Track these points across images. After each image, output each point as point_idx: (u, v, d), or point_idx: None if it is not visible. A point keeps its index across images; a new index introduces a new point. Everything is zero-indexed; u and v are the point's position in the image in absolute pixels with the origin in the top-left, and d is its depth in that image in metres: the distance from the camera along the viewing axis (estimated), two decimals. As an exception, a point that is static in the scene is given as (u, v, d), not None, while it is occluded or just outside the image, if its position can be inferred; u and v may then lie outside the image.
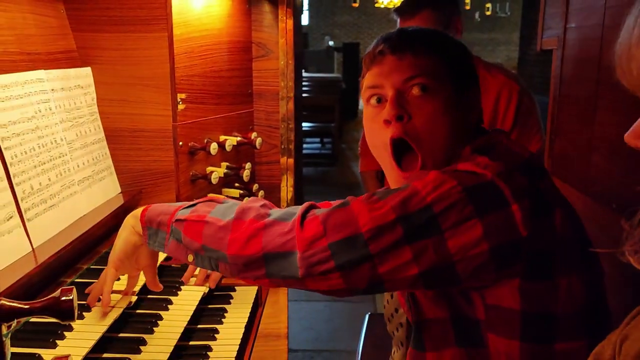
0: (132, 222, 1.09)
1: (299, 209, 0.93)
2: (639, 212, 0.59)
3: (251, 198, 1.01)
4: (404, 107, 1.00)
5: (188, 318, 1.23)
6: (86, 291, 1.15)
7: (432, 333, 1.02)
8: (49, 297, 0.64)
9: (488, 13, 15.06)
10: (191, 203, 1.04)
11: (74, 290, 0.67)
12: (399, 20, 2.00)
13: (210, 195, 1.10)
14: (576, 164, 1.57)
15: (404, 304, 1.14)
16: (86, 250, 1.35)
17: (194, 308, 1.27)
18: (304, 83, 8.20)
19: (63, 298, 0.64)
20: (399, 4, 2.05)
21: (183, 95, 1.53)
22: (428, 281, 0.89)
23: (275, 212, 0.95)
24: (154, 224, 1.04)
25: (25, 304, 0.64)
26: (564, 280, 0.91)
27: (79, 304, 0.69)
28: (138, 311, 1.24)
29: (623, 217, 0.60)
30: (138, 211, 1.09)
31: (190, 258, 1.01)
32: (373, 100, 1.05)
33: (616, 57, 0.59)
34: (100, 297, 1.12)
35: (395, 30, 1.08)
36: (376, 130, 1.04)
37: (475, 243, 0.86)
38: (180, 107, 1.52)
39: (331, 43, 15.05)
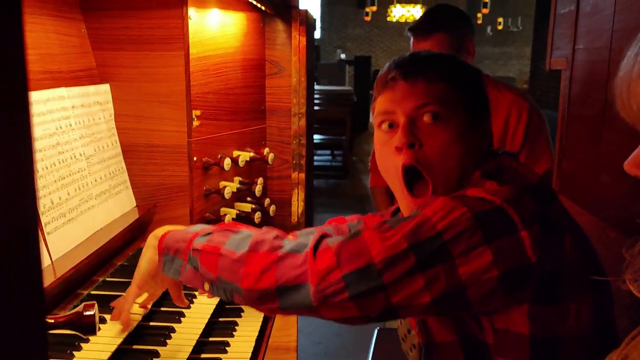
0: (154, 242, 1.11)
1: (311, 240, 0.94)
2: None
3: (264, 228, 1.02)
4: (415, 134, 1.01)
5: (200, 331, 1.25)
6: (111, 304, 1.18)
7: (442, 356, 1.03)
8: (72, 312, 0.67)
9: (500, 27, 15.08)
10: (208, 230, 1.05)
11: (96, 305, 0.70)
12: (412, 39, 2.02)
13: (227, 222, 1.12)
14: (584, 184, 1.58)
15: (414, 326, 1.16)
16: (102, 263, 1.38)
17: (205, 321, 1.30)
18: (315, 96, 8.25)
19: (86, 313, 0.67)
20: (413, 22, 2.07)
21: (198, 112, 1.57)
22: (440, 308, 0.90)
23: (288, 244, 0.95)
24: (172, 250, 1.06)
25: (50, 318, 0.67)
26: (573, 304, 0.92)
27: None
28: (151, 323, 1.27)
29: (624, 247, 0.62)
30: (159, 231, 1.11)
31: (207, 287, 1.02)
32: (384, 126, 1.06)
33: (616, 90, 0.61)
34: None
35: (407, 55, 1.09)
36: (388, 156, 1.05)
37: (485, 269, 0.87)
38: (195, 123, 1.56)
39: (343, 56, 15.12)
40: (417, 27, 1.99)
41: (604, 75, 1.42)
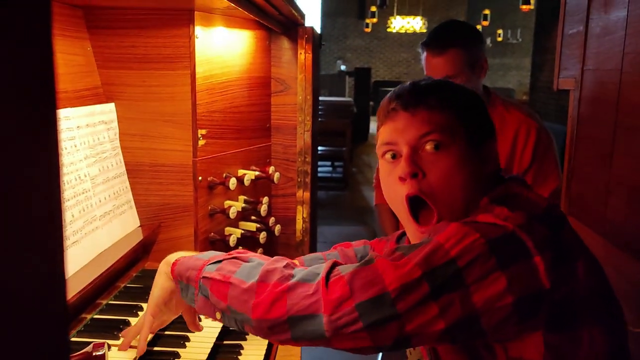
0: (165, 268, 1.10)
1: (322, 269, 0.93)
2: None
3: (274, 258, 1.00)
4: (417, 164, 1.01)
5: (205, 356, 1.23)
6: (121, 335, 1.16)
7: None
8: (82, 352, 0.66)
9: (499, 39, 15.16)
10: (217, 258, 1.04)
11: (106, 345, 0.68)
12: (425, 54, 1.99)
13: (238, 250, 1.10)
14: (593, 206, 1.57)
15: (426, 355, 1.14)
16: (106, 285, 1.36)
17: (211, 345, 1.28)
18: (316, 107, 8.24)
19: (95, 354, 0.65)
20: (427, 37, 2.03)
21: (204, 131, 1.56)
22: (454, 336, 0.89)
23: (299, 273, 0.94)
24: (184, 279, 1.05)
25: (58, 358, 0.65)
26: (587, 331, 0.91)
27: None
28: (156, 348, 1.24)
29: None
30: (171, 258, 1.10)
31: (218, 316, 1.01)
32: (388, 156, 1.06)
33: None
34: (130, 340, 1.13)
35: (407, 84, 1.08)
36: (392, 185, 1.05)
37: (499, 296, 0.86)
38: (201, 142, 1.55)
39: (343, 67, 15.17)
40: (432, 42, 1.95)
41: (614, 97, 1.41)
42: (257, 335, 0.98)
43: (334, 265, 0.95)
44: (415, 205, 1.02)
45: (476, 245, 0.87)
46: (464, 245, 0.87)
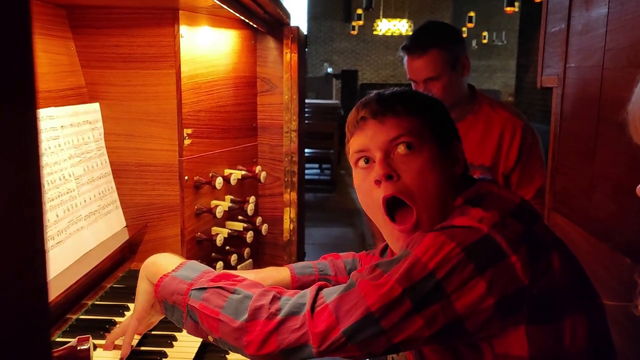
0: (145, 273, 1.10)
1: (307, 298, 0.96)
2: None
3: (260, 292, 1.00)
4: (391, 166, 1.04)
5: (193, 356, 1.22)
6: (107, 336, 1.16)
7: None
8: (66, 346, 0.65)
9: (485, 41, 15.26)
10: (202, 283, 1.03)
11: (90, 339, 0.67)
12: (406, 57, 2.00)
13: (222, 273, 1.09)
14: (578, 202, 1.58)
15: (411, 357, 1.16)
16: (92, 286, 1.35)
17: (198, 344, 1.27)
18: (303, 109, 8.25)
19: (80, 347, 0.64)
20: (406, 41, 2.05)
21: (189, 131, 1.55)
22: (439, 339, 0.92)
23: (285, 305, 0.97)
24: (169, 301, 1.05)
25: (42, 353, 0.65)
26: (568, 322, 0.93)
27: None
28: (143, 348, 1.23)
29: (636, 272, 0.61)
30: (149, 264, 1.10)
31: (211, 339, 1.03)
32: (361, 162, 1.09)
33: (630, 117, 0.61)
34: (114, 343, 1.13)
35: (373, 94, 1.13)
36: (368, 190, 1.07)
37: (481, 300, 0.89)
38: (187, 142, 1.54)
39: (330, 70, 15.19)
40: (412, 45, 1.98)
41: (596, 93, 1.42)
42: None
43: (319, 291, 0.97)
44: (392, 207, 1.05)
45: (453, 255, 0.90)
46: (441, 256, 0.90)
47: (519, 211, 0.98)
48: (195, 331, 1.04)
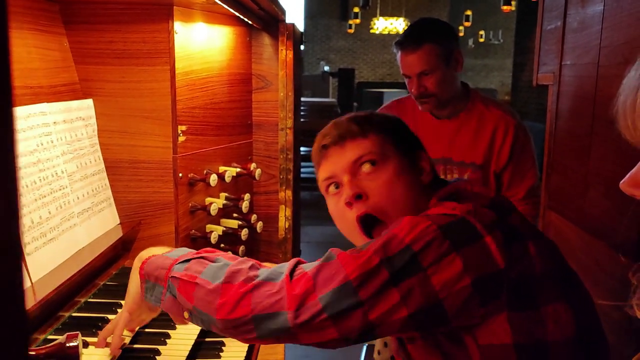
0: (138, 264, 1.10)
1: (286, 267, 0.96)
2: None
3: (240, 259, 1.02)
4: (359, 186, 1.07)
5: (187, 353, 1.22)
6: (99, 333, 1.15)
7: None
8: (54, 343, 0.64)
9: (481, 40, 15.28)
10: (186, 257, 1.05)
11: (79, 336, 0.67)
12: (400, 53, 2.00)
13: (207, 249, 1.10)
14: (572, 199, 1.58)
15: (396, 355, 1.16)
16: (84, 283, 1.34)
17: (192, 342, 1.27)
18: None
19: (69, 344, 0.64)
20: (400, 36, 2.05)
21: (184, 127, 1.54)
22: (418, 322, 0.91)
23: (263, 273, 0.97)
24: (152, 277, 1.05)
25: (31, 350, 0.64)
26: (549, 308, 0.94)
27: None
28: (136, 346, 1.23)
29: (630, 271, 0.61)
30: (144, 254, 1.10)
31: (186, 315, 1.02)
32: (332, 188, 1.13)
33: (619, 113, 0.61)
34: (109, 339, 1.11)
35: (330, 123, 1.17)
36: (341, 214, 1.11)
37: (457, 278, 0.89)
38: (181, 139, 1.54)
39: (326, 68, 15.18)
40: (405, 40, 1.98)
41: (592, 91, 1.42)
42: (224, 335, 0.99)
43: (298, 262, 0.98)
44: (367, 225, 1.08)
45: (429, 231, 0.91)
46: (418, 231, 0.92)
47: (493, 204, 1.01)
48: (172, 307, 1.03)
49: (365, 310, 0.89)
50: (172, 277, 1.02)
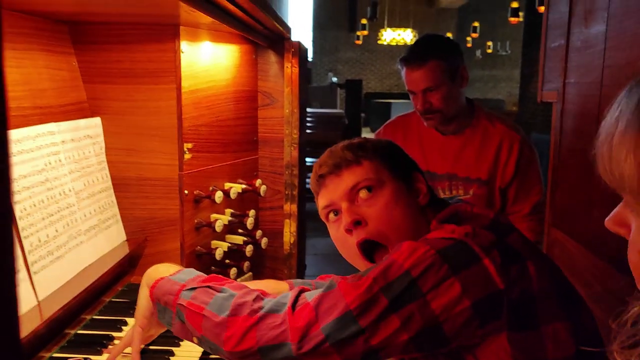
0: (147, 280, 1.12)
1: (289, 297, 0.98)
2: (626, 311, 0.61)
3: (245, 289, 1.04)
4: (357, 212, 1.10)
5: (190, 371, 1.22)
6: (108, 352, 1.17)
7: None
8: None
9: (489, 51, 15.30)
10: (193, 284, 1.06)
11: (82, 361, 0.67)
12: (405, 69, 2.01)
13: (213, 274, 1.12)
14: (577, 218, 1.58)
15: None
16: (91, 300, 1.35)
17: (196, 360, 1.27)
18: (307, 119, 8.28)
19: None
20: (405, 53, 2.06)
21: (190, 145, 1.56)
22: (418, 345, 0.93)
23: (267, 304, 0.98)
24: (162, 302, 1.08)
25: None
26: (549, 328, 0.94)
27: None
28: (140, 364, 1.23)
29: (610, 317, 0.62)
30: (152, 273, 1.12)
31: (195, 340, 1.04)
32: (331, 216, 1.16)
33: (597, 154, 0.61)
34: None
35: (325, 152, 1.20)
36: (343, 241, 1.13)
37: (456, 301, 0.90)
38: (187, 156, 1.55)
39: (334, 79, 15.23)
40: (410, 57, 1.99)
41: (595, 110, 1.43)
42: None
43: (301, 292, 1.00)
44: (368, 250, 1.10)
45: (428, 255, 0.93)
46: (416, 256, 0.93)
47: (492, 225, 1.02)
48: (182, 331, 1.06)
49: (367, 337, 0.91)
50: (179, 304, 1.04)
